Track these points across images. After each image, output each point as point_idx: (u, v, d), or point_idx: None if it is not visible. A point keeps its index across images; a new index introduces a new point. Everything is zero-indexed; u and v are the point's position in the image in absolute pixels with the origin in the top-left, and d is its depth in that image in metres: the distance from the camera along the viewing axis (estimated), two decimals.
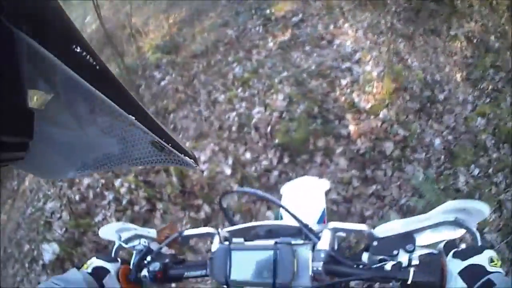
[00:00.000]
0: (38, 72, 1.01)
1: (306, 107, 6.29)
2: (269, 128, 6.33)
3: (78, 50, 0.92)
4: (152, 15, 12.71)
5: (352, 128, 5.91)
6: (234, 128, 6.79)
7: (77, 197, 6.95)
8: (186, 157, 1.35)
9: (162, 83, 9.32)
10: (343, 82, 6.56)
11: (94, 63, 0.96)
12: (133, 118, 1.12)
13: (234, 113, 7.04)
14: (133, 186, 6.65)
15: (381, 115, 5.93)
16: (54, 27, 0.89)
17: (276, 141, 6.18)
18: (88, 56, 0.94)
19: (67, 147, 1.38)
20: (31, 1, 0.86)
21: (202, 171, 6.55)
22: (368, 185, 5.40)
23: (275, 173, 5.96)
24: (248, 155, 6.36)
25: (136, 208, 6.41)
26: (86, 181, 7.04)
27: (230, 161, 6.45)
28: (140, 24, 11.35)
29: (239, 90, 7.48)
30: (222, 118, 7.12)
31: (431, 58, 6.83)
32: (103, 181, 6.89)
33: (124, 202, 6.53)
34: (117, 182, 6.82)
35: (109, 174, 7.17)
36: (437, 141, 5.65)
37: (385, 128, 5.79)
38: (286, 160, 6.01)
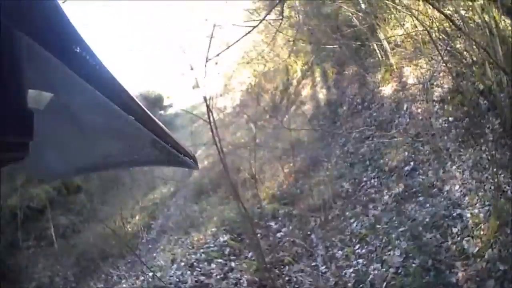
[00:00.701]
0: (38, 72, 1.07)
1: (420, 261, 6.59)
2: (384, 285, 6.66)
3: (78, 50, 0.98)
4: (267, 161, 13.81)
5: (460, 274, 6.09)
6: (350, 285, 7.12)
7: None
8: (186, 157, 1.42)
9: (279, 234, 9.95)
10: (454, 230, 6.81)
11: (94, 63, 1.02)
12: (133, 118, 1.17)
13: (350, 270, 7.42)
14: None
15: (486, 256, 6.09)
16: (54, 28, 0.96)
17: None
18: (88, 57, 1.00)
19: (67, 148, 1.48)
20: (31, 2, 0.92)
21: None
22: None
23: None
24: None
25: None
26: None
27: None
28: (256, 170, 11.83)
29: (357, 246, 7.91)
30: (338, 275, 7.48)
31: None
32: None
33: None
34: None
35: None
36: None
37: (488, 268, 5.94)
38: None
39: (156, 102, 31.73)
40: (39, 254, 15.49)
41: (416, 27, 9.73)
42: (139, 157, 1.48)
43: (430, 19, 8.65)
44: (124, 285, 10.74)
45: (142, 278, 9.49)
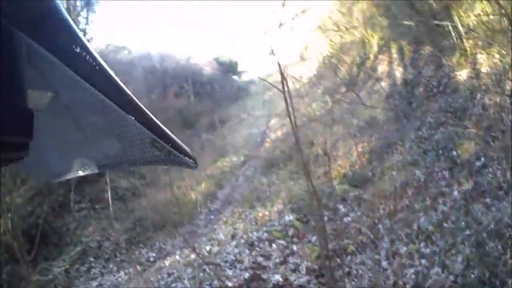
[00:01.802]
0: (38, 72, 1.07)
1: (479, 273, 6.25)
2: None
3: (78, 50, 0.98)
4: (341, 137, 13.36)
5: None
6: (408, 287, 6.98)
7: None
8: (186, 157, 1.36)
9: (346, 219, 9.80)
10: None
11: (94, 63, 1.01)
12: (133, 118, 1.16)
13: (412, 270, 7.21)
14: None
15: None
16: (54, 28, 0.96)
17: None
18: (88, 56, 0.99)
19: (67, 148, 1.46)
20: (31, 2, 0.92)
21: None
22: None
23: None
24: None
25: None
26: None
27: None
28: (329, 146, 11.55)
29: (422, 244, 7.62)
30: (399, 273, 7.32)
31: None
32: None
33: None
34: None
35: None
36: None
37: None
38: None
39: (230, 67, 31.71)
40: (91, 217, 15.43)
41: (488, 14, 9.03)
42: (139, 157, 1.42)
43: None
44: (177, 257, 10.82)
45: (198, 251, 9.39)
